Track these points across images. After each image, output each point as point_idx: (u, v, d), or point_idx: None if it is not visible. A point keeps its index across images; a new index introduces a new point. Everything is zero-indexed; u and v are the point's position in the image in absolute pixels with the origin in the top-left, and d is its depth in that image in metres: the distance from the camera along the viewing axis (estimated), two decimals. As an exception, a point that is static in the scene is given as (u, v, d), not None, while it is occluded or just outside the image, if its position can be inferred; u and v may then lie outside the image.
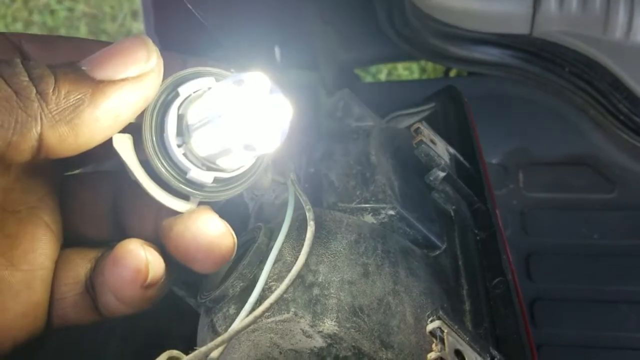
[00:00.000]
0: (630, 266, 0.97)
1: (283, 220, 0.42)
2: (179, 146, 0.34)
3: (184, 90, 0.34)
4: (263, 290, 0.38)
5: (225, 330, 0.39)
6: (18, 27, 2.29)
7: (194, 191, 0.35)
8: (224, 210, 0.55)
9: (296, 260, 0.40)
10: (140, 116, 0.33)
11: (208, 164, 0.35)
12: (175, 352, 0.30)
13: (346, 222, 0.44)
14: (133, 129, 0.34)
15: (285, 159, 0.42)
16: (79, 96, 0.30)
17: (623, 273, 0.96)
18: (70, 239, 0.38)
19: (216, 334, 0.40)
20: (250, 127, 0.32)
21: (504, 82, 1.00)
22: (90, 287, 0.37)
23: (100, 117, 0.30)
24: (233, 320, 0.39)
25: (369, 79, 2.11)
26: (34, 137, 0.29)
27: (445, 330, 0.33)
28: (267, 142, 0.33)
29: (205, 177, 0.35)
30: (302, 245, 0.41)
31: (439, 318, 0.34)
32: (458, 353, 0.33)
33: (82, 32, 2.25)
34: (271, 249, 0.40)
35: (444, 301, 0.43)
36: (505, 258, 0.45)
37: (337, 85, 0.98)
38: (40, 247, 0.35)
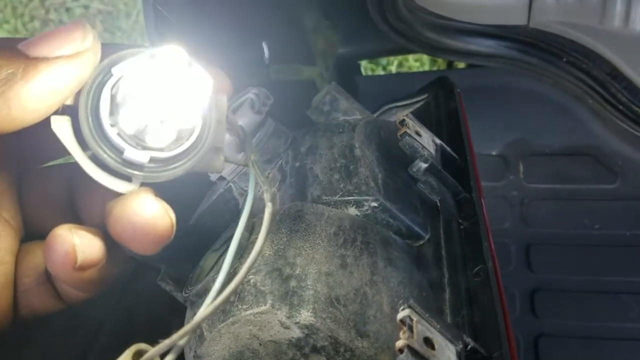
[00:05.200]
0: (632, 257, 0.96)
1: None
2: (112, 126, 0.34)
3: (117, 70, 0.34)
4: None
5: (208, 323, 0.40)
6: (35, 26, 2.35)
7: (132, 171, 0.35)
8: (214, 207, 0.56)
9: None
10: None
11: (141, 143, 0.34)
12: (143, 345, 0.31)
13: (327, 215, 0.45)
14: (74, 112, 0.34)
15: (247, 138, 0.42)
16: (10, 71, 0.31)
17: (625, 264, 0.96)
18: (31, 233, 0.40)
19: (199, 327, 0.40)
20: (162, 100, 0.33)
21: (504, 73, 0.99)
22: (50, 276, 0.38)
23: (33, 92, 0.31)
24: (214, 313, 0.40)
25: (379, 71, 2.12)
26: None
27: (415, 319, 0.34)
28: (183, 115, 0.33)
29: (141, 156, 0.34)
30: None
31: (409, 307, 0.34)
32: (427, 341, 0.34)
33: (98, 29, 2.30)
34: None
35: (423, 290, 0.43)
36: (486, 245, 0.45)
37: (337, 79, 0.98)
38: (0, 242, 0.37)
